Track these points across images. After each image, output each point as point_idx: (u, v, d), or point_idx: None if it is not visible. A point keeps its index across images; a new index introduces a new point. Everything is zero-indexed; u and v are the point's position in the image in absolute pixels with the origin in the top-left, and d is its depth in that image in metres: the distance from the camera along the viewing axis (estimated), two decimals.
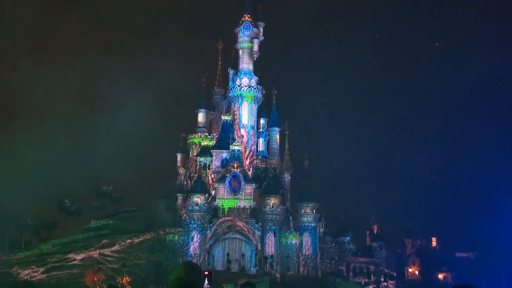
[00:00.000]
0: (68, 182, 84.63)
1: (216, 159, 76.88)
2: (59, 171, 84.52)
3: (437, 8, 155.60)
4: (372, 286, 78.57)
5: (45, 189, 78.02)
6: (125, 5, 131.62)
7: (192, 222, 69.84)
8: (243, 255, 69.24)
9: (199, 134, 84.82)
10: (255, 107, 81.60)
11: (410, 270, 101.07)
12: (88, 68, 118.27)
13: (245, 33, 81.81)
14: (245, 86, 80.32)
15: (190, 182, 78.59)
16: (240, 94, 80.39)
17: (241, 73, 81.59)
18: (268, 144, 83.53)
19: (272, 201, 70.69)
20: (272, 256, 67.84)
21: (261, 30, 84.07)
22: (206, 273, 3.90)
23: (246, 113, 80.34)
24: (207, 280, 3.90)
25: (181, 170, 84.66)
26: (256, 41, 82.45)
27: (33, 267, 66.26)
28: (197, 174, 75.61)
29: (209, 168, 77.67)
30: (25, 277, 64.39)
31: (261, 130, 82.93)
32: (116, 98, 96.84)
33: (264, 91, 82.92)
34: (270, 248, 69.01)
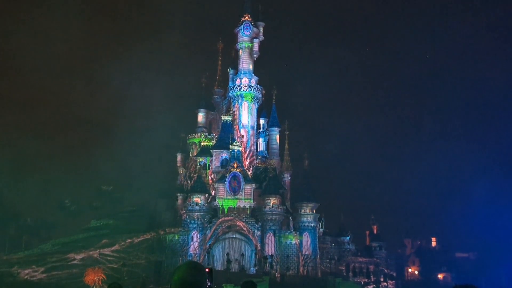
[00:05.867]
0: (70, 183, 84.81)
1: (216, 159, 76.84)
2: (62, 172, 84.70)
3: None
4: (372, 286, 78.58)
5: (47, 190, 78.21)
6: (124, 4, 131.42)
7: (192, 222, 69.84)
8: (242, 255, 69.25)
9: (199, 134, 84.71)
10: (255, 107, 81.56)
11: (410, 270, 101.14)
12: (90, 67, 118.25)
13: (245, 33, 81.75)
14: (245, 86, 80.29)
15: (190, 182, 78.57)
16: (240, 94, 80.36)
17: (241, 73, 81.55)
18: (268, 144, 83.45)
19: (272, 201, 70.70)
20: (271, 256, 67.84)
21: (261, 30, 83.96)
22: (206, 270, 3.93)
23: (246, 113, 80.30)
24: (208, 278, 3.93)
25: (181, 170, 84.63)
26: (256, 41, 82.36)
27: (33, 266, 66.30)
28: (197, 174, 75.58)
29: (209, 168, 77.64)
30: (25, 277, 64.44)
31: (261, 130, 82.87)
32: (116, 98, 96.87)
33: (264, 91, 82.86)
34: (270, 248, 69.02)
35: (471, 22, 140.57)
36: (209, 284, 3.90)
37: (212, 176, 76.42)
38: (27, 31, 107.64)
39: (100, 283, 58.54)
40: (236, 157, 73.29)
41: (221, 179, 72.36)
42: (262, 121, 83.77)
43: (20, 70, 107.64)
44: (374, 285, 78.84)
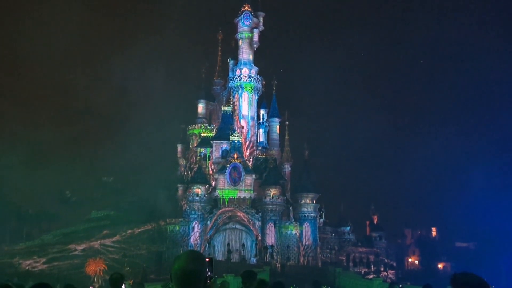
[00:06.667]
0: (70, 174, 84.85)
1: (216, 150, 76.91)
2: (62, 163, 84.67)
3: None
4: (372, 276, 78.76)
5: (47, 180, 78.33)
6: None
7: (193, 212, 70.01)
8: (243, 245, 69.47)
9: (199, 125, 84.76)
10: (255, 98, 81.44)
11: (410, 260, 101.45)
12: (90, 59, 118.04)
13: (245, 23, 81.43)
14: (245, 76, 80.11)
15: (190, 173, 78.65)
16: (240, 85, 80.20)
17: (241, 64, 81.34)
18: (268, 134, 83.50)
19: (272, 191, 70.83)
20: (272, 246, 68.06)
21: (261, 20, 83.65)
22: (207, 260, 3.92)
23: (246, 103, 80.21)
24: (208, 267, 3.92)
25: (181, 161, 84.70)
26: (256, 31, 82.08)
27: (35, 257, 66.56)
28: (197, 165, 75.63)
29: (209, 159, 77.70)
30: (27, 267, 64.68)
31: (261, 120, 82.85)
32: (116, 89, 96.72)
33: (264, 82, 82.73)
34: (270, 238, 69.25)
35: (472, 15, 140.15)
36: (209, 273, 3.89)
37: (213, 167, 76.48)
38: (30, 26, 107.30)
39: (101, 273, 58.72)
40: (236, 148, 73.32)
41: (222, 170, 72.44)
42: (262, 111, 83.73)
43: (22, 63, 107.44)
44: (374, 275, 79.02)
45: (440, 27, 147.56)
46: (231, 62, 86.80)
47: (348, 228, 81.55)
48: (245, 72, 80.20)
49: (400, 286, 26.38)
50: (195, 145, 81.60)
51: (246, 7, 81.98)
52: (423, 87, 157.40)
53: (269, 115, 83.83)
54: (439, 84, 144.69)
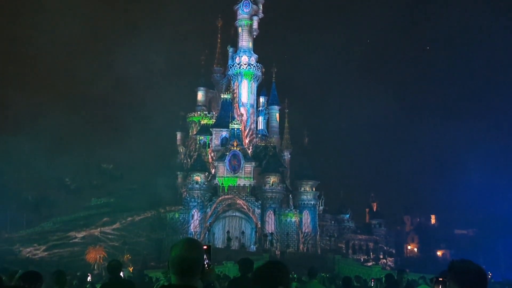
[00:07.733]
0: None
1: (215, 138, 76.87)
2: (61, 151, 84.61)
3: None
4: (371, 263, 79.08)
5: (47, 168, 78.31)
6: None
7: (192, 200, 70.12)
8: (243, 232, 69.69)
9: (198, 112, 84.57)
10: (254, 85, 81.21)
11: (409, 247, 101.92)
12: (91, 48, 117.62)
13: (244, 10, 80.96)
14: (245, 64, 79.83)
15: (190, 160, 78.64)
16: (239, 72, 79.95)
17: (240, 51, 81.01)
18: (267, 122, 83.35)
19: (272, 179, 70.87)
20: (272, 233, 68.27)
21: (261, 7, 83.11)
22: (205, 247, 3.90)
23: (245, 91, 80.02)
24: (206, 255, 3.90)
25: (181, 149, 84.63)
26: (255, 18, 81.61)
27: (35, 245, 66.74)
28: (196, 153, 75.65)
29: (208, 147, 77.66)
30: (27, 255, 64.87)
31: (260, 108, 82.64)
32: (116, 76, 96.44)
33: (263, 69, 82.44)
34: (270, 225, 69.41)
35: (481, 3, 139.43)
36: (206, 261, 3.87)
37: (212, 154, 76.47)
38: (35, 16, 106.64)
39: (101, 261, 58.94)
40: (236, 136, 73.27)
41: (221, 158, 72.44)
42: (262, 99, 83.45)
43: (25, 50, 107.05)
44: (373, 262, 79.36)
45: (447, 13, 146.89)
46: (230, 49, 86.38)
47: (348, 215, 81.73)
48: (245, 60, 79.91)
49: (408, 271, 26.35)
50: (195, 132, 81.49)
51: None
52: (424, 75, 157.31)
53: (269, 103, 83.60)
54: (440, 72, 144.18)
